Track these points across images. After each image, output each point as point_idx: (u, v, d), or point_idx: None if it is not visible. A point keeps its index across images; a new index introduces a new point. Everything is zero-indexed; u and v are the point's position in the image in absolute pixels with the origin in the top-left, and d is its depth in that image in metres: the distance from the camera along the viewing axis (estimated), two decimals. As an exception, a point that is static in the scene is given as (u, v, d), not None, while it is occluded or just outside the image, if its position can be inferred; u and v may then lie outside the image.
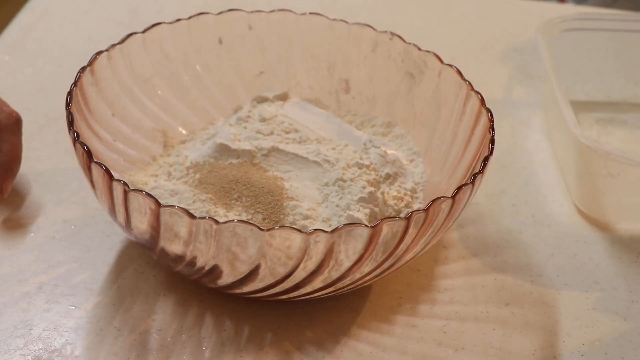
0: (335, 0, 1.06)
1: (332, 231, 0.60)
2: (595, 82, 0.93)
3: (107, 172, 0.62)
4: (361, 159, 0.73)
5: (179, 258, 0.64)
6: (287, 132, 0.76)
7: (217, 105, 0.81)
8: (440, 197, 0.62)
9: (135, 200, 0.62)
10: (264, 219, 0.69)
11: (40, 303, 0.69)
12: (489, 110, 0.70)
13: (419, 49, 0.77)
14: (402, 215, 0.71)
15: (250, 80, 0.82)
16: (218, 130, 0.76)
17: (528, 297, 0.72)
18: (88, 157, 0.64)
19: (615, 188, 0.77)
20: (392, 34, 0.78)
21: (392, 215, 0.71)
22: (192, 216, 0.60)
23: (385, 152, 0.74)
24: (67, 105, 0.68)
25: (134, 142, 0.76)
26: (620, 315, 0.71)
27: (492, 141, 0.68)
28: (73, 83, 0.70)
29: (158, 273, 0.71)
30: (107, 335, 0.67)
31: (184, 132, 0.79)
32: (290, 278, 0.63)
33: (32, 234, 0.74)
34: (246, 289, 0.65)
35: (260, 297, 0.67)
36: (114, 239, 0.74)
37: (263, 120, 0.76)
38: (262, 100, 0.79)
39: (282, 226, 0.61)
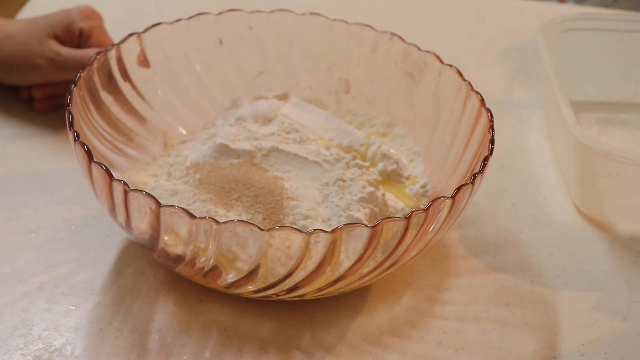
0: (335, 0, 1.06)
1: (332, 231, 0.60)
2: (595, 82, 0.93)
3: (107, 172, 0.62)
4: (361, 159, 0.73)
5: (179, 258, 0.64)
6: (287, 132, 0.76)
7: (217, 106, 0.81)
8: (440, 197, 0.62)
9: (136, 200, 0.62)
10: (264, 219, 0.69)
11: (40, 303, 0.69)
12: (489, 110, 0.70)
13: (419, 49, 0.77)
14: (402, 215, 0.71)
15: (250, 80, 0.82)
16: (218, 130, 0.76)
17: (528, 297, 0.72)
18: (88, 157, 0.64)
19: (615, 188, 0.77)
20: (392, 34, 0.78)
21: (392, 215, 0.71)
22: (192, 216, 0.60)
23: (385, 152, 0.74)
24: (67, 105, 0.68)
25: (134, 142, 0.76)
26: (620, 315, 0.71)
27: (492, 141, 0.68)
28: (73, 83, 0.70)
29: (158, 273, 0.71)
30: (107, 335, 0.67)
31: (184, 132, 0.79)
32: (290, 278, 0.63)
33: (32, 234, 0.74)
34: (246, 289, 0.65)
35: (260, 297, 0.67)
36: (114, 239, 0.74)
37: (263, 120, 0.76)
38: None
39: (282, 226, 0.61)
